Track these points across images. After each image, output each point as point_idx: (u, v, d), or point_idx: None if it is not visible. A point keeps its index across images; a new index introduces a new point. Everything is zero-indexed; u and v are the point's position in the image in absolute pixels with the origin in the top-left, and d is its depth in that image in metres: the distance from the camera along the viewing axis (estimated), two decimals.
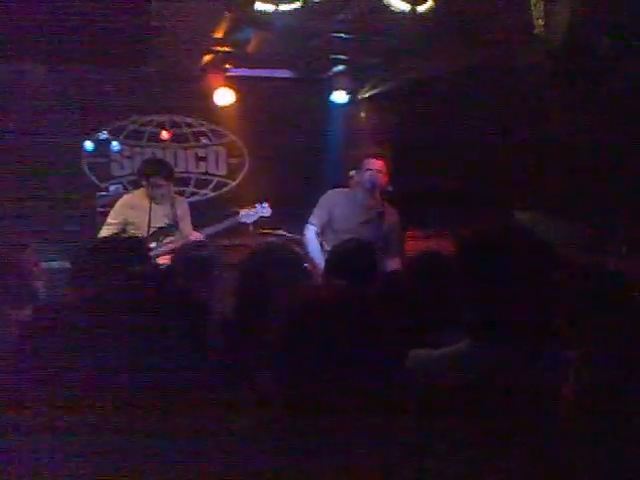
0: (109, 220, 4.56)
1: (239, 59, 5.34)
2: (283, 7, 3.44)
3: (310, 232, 4.33)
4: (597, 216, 4.23)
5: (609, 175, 3.92)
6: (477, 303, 1.51)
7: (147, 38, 3.43)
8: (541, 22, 3.39)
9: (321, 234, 4.33)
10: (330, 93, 5.89)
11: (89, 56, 3.44)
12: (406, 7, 3.25)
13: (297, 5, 3.35)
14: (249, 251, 2.32)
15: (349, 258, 2.64)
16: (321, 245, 4.29)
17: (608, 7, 3.26)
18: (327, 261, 2.84)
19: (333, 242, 4.08)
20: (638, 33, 3.20)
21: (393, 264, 4.06)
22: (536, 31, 3.44)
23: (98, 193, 5.71)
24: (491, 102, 4.58)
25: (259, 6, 3.59)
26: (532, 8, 3.45)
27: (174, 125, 6.12)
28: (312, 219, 4.35)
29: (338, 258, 2.71)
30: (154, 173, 4.44)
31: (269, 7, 3.50)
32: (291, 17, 3.82)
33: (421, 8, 3.26)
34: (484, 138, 4.95)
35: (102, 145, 5.85)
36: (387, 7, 3.28)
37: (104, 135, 5.83)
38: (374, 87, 5.82)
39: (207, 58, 5.28)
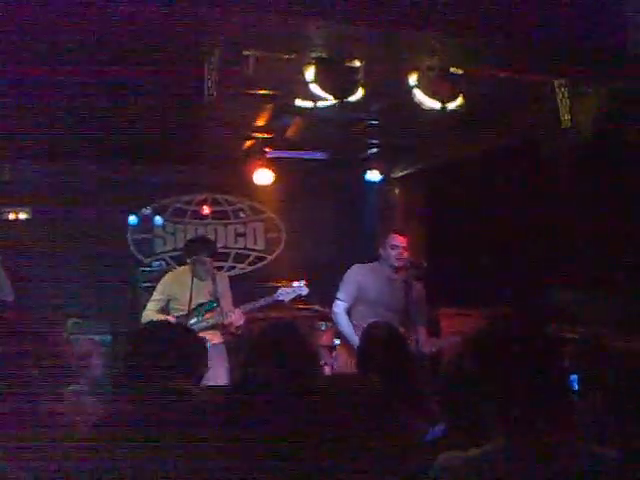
0: (155, 296, 4.75)
1: (278, 142, 5.65)
2: (321, 104, 3.69)
3: (339, 308, 4.42)
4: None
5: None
6: (507, 399, 1.52)
7: (198, 136, 3.71)
8: (567, 117, 3.57)
9: (351, 308, 4.41)
10: (364, 173, 6.13)
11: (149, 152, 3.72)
12: (436, 105, 3.46)
13: (334, 101, 3.59)
14: (256, 330, 2.35)
15: (381, 349, 2.69)
16: (350, 320, 4.38)
17: (632, 105, 3.43)
18: (359, 350, 2.90)
19: (362, 314, 4.21)
20: None
21: (421, 335, 4.15)
22: (563, 125, 3.61)
23: (141, 269, 5.96)
24: (520, 186, 4.72)
25: (299, 102, 3.85)
26: (559, 104, 3.64)
27: (215, 203, 6.43)
28: (340, 295, 4.44)
29: (370, 348, 2.78)
30: (198, 251, 4.64)
31: (308, 104, 3.76)
32: (329, 109, 4.06)
33: (451, 105, 3.47)
34: (511, 219, 5.08)
35: (146, 221, 6.17)
36: (419, 105, 3.49)
37: (148, 212, 6.15)
38: (406, 168, 6.04)
39: (249, 143, 5.60)
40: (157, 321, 4.25)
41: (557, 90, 3.60)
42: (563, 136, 3.73)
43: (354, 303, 4.38)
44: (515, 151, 4.55)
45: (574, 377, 2.45)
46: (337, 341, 5.10)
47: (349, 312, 4.40)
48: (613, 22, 3.03)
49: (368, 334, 3.01)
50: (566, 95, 3.63)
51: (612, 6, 3.10)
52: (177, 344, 2.20)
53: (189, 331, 2.64)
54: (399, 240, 4.29)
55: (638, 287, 4.17)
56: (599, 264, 4.50)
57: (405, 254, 4.25)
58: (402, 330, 3.92)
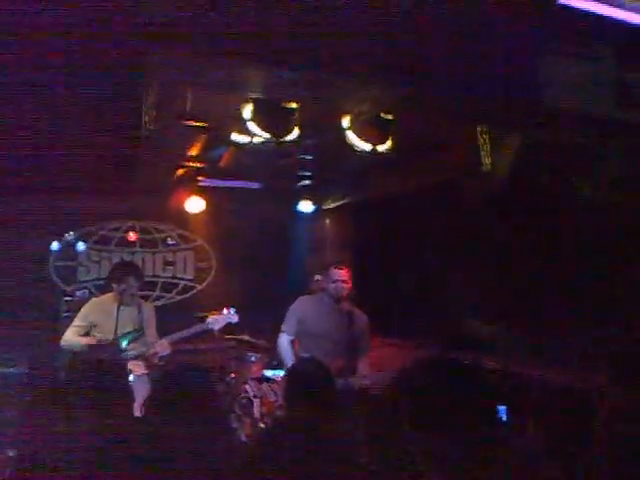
0: (75, 322, 4.59)
1: (211, 171, 5.65)
2: (257, 139, 3.75)
3: (283, 339, 4.43)
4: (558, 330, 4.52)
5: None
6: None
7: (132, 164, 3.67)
8: (488, 161, 3.82)
9: (293, 340, 4.44)
10: (297, 203, 6.22)
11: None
12: (367, 147, 3.61)
13: (269, 137, 3.67)
14: (162, 374, 2.34)
15: (306, 380, 2.76)
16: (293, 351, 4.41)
17: (548, 150, 3.73)
18: (285, 382, 2.96)
19: (307, 346, 4.26)
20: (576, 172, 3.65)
21: (362, 365, 4.24)
22: (483, 168, 3.86)
23: (64, 298, 5.74)
24: (443, 220, 4.97)
25: (235, 137, 3.91)
26: (481, 147, 3.90)
27: (143, 231, 6.30)
28: (284, 327, 4.46)
29: (295, 380, 2.84)
30: (125, 276, 4.55)
31: (245, 139, 3.82)
32: (264, 144, 4.13)
33: (381, 147, 3.63)
34: (439, 251, 5.32)
35: (70, 248, 5.96)
36: (350, 146, 3.64)
37: (71, 238, 5.95)
38: (338, 199, 6.20)
39: (182, 171, 5.57)
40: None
41: (479, 136, 3.85)
42: (484, 177, 3.99)
43: (300, 335, 4.40)
44: (439, 189, 4.79)
45: (502, 408, 2.59)
46: (267, 373, 5.10)
47: (296, 343, 4.41)
48: (532, 78, 3.29)
49: (293, 368, 3.08)
50: (487, 141, 3.89)
51: (530, 63, 3.37)
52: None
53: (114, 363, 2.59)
54: (339, 274, 4.35)
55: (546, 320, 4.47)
56: (513, 298, 4.78)
57: (346, 286, 4.33)
58: (339, 362, 4.02)
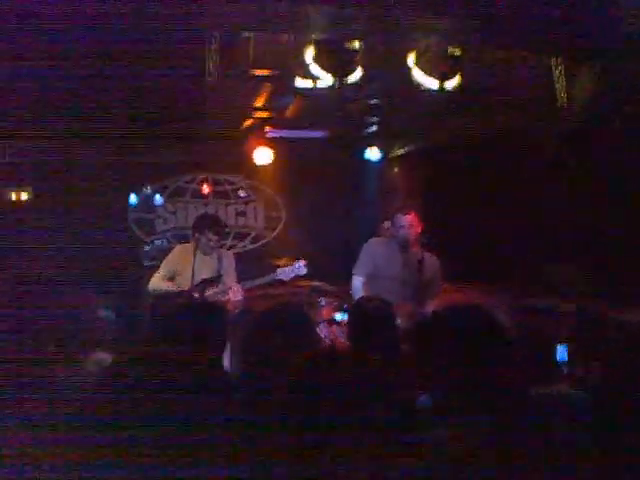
0: (161, 269, 4.82)
1: (278, 122, 5.68)
2: (320, 84, 3.72)
3: (357, 282, 4.46)
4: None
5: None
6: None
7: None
8: (564, 95, 3.61)
9: (367, 282, 4.45)
10: (364, 151, 6.17)
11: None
12: (434, 84, 3.50)
13: (332, 81, 3.63)
14: (257, 313, 2.43)
15: (369, 320, 2.79)
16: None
17: (627, 81, 3.47)
18: (349, 321, 3.00)
19: (376, 288, 4.29)
20: None
21: (430, 306, 4.19)
22: (559, 103, 3.65)
23: (144, 247, 6.04)
24: (517, 165, 4.78)
25: (298, 82, 3.89)
26: (555, 81, 3.68)
27: (216, 182, 6.48)
28: (356, 270, 4.48)
29: (359, 319, 2.88)
30: (206, 227, 4.73)
31: (308, 83, 3.79)
32: (328, 88, 4.09)
33: (449, 84, 3.51)
34: (511, 195, 5.14)
35: (147, 201, 6.23)
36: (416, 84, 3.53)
37: (149, 191, 6.20)
38: (405, 146, 6.08)
39: (248, 122, 5.63)
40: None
41: (554, 69, 3.64)
42: (559, 115, 3.78)
43: (370, 277, 4.41)
44: (510, 131, 4.59)
45: (563, 347, 2.57)
46: (337, 315, 5.21)
47: (368, 286, 4.42)
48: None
49: (357, 308, 3.11)
50: (562, 73, 3.67)
51: None
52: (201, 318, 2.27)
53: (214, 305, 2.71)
54: (404, 220, 4.31)
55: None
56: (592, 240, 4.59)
57: (413, 231, 4.28)
58: (407, 307, 4.02)
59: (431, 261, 4.35)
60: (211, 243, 4.70)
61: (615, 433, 1.56)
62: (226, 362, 2.44)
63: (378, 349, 2.48)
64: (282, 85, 4.34)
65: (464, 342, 1.66)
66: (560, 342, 2.67)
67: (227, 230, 6.35)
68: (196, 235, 4.77)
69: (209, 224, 4.78)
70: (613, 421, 1.62)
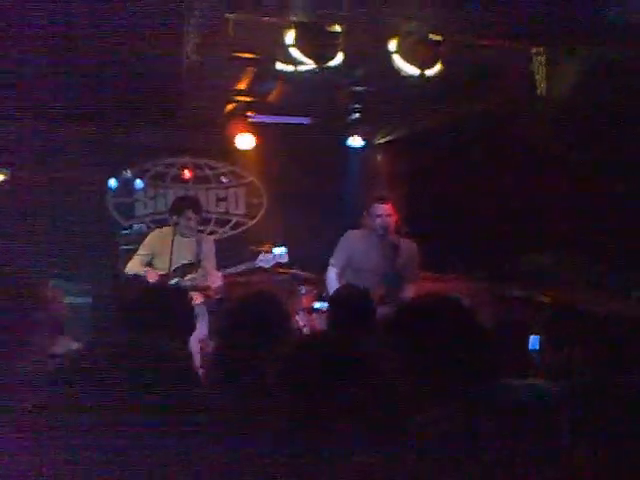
0: (139, 251, 4.80)
1: (260, 107, 5.63)
2: (301, 68, 3.69)
3: (331, 273, 4.51)
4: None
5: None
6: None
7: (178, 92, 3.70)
8: (543, 84, 3.62)
9: (342, 274, 4.49)
10: (347, 138, 6.14)
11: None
12: (415, 71, 3.48)
13: (315, 66, 3.60)
14: (236, 299, 2.42)
15: (347, 306, 2.81)
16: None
17: (606, 73, 3.48)
18: (328, 308, 3.03)
19: (352, 279, 4.31)
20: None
21: (408, 291, 4.28)
22: (538, 91, 3.66)
23: (122, 232, 5.98)
24: (498, 150, 4.80)
25: (279, 66, 3.86)
26: (535, 70, 3.68)
27: (197, 167, 6.42)
28: (333, 260, 4.54)
29: (337, 305, 2.90)
30: (184, 208, 4.68)
31: (289, 67, 3.76)
32: (310, 73, 4.07)
33: (429, 72, 3.50)
34: (492, 184, 5.17)
35: (127, 185, 6.16)
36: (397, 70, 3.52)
37: (129, 175, 6.13)
38: (388, 134, 6.08)
39: (230, 107, 5.57)
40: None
41: (534, 58, 3.64)
42: (539, 104, 3.79)
43: (346, 269, 4.45)
44: (491, 118, 4.60)
45: (535, 338, 2.62)
46: (317, 304, 5.21)
47: (343, 276, 4.46)
48: None
49: (336, 297, 3.15)
50: (543, 63, 3.67)
51: None
52: (165, 302, 2.26)
53: (178, 290, 2.69)
54: (382, 209, 4.35)
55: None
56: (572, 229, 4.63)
57: (389, 220, 4.32)
58: (381, 291, 4.06)
59: (407, 246, 4.39)
60: (191, 223, 4.67)
61: (588, 425, 1.56)
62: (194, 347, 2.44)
63: (358, 336, 2.51)
64: (263, 69, 4.30)
65: (437, 330, 1.67)
66: (534, 332, 2.71)
67: (206, 215, 6.34)
68: (174, 217, 4.74)
69: (188, 204, 4.75)
70: (586, 413, 1.61)
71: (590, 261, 4.59)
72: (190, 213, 4.66)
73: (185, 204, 4.77)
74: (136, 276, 4.64)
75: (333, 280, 4.48)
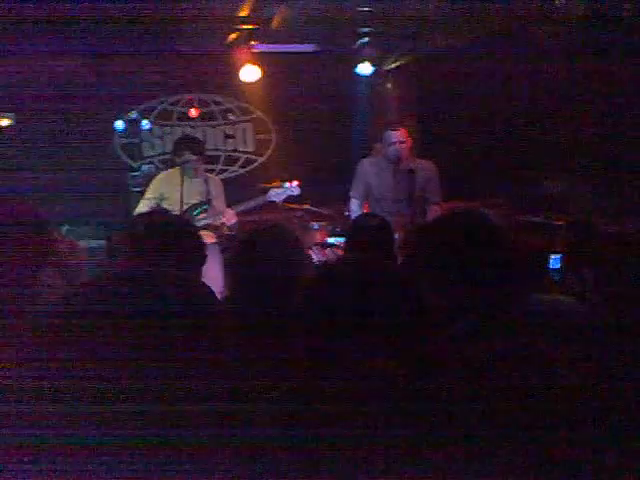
0: (146, 195, 4.74)
1: (264, 36, 5.38)
2: None
3: (354, 205, 4.49)
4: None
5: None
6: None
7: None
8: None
9: (363, 204, 4.48)
10: (356, 65, 5.89)
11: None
12: None
13: None
14: (247, 234, 2.34)
15: (366, 234, 2.75)
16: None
17: None
18: (347, 240, 2.96)
19: (374, 210, 4.25)
20: None
21: (432, 212, 4.25)
22: (557, 2, 3.40)
23: (131, 173, 5.89)
24: (514, 72, 4.56)
25: None
26: None
27: (203, 104, 6.22)
28: (353, 192, 4.50)
29: (356, 234, 2.84)
30: (185, 149, 4.57)
31: None
32: None
33: None
34: (509, 109, 4.95)
35: (133, 126, 6.02)
36: None
37: (134, 116, 5.98)
38: (399, 58, 5.80)
39: (232, 36, 5.33)
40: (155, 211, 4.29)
41: None
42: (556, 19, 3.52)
43: (367, 197, 4.44)
44: (507, 39, 4.33)
45: (557, 257, 2.57)
46: (330, 239, 5.15)
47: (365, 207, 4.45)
48: None
49: (356, 225, 3.08)
50: None
51: None
52: (177, 233, 2.19)
53: (187, 222, 2.62)
54: (394, 136, 4.26)
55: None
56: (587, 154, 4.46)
57: (403, 147, 4.22)
58: (405, 219, 4.00)
59: (425, 167, 4.31)
60: (192, 164, 4.56)
61: (607, 341, 1.55)
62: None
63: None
64: None
65: (460, 246, 1.59)
66: (555, 253, 2.68)
67: (215, 153, 6.20)
68: (176, 159, 4.65)
69: (186, 146, 4.64)
70: (606, 329, 1.62)
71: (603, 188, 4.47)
72: (189, 155, 4.55)
73: (183, 146, 4.64)
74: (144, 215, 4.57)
75: (356, 211, 4.43)
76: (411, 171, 4.12)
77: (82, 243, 4.95)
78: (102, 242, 5.33)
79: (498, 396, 1.15)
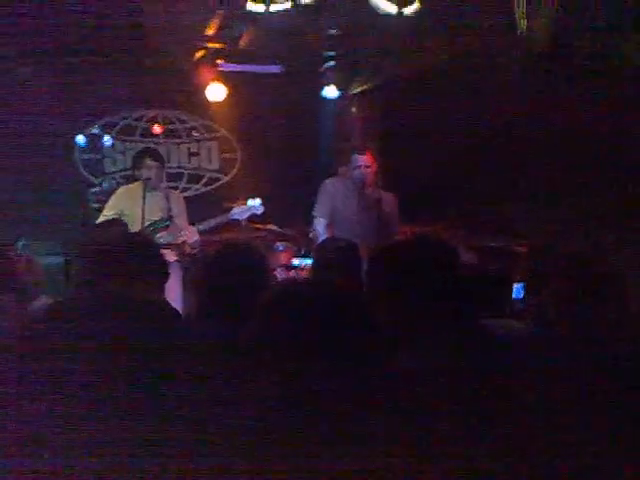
0: (105, 210, 4.65)
1: (230, 55, 5.40)
2: (273, 7, 3.50)
3: (319, 225, 4.43)
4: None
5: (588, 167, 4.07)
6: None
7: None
8: (524, 23, 3.48)
9: (329, 224, 4.42)
10: (322, 88, 5.95)
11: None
12: (393, 9, 3.32)
13: (287, 5, 3.41)
14: (212, 252, 2.30)
15: (333, 257, 2.73)
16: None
17: (588, 10, 3.36)
18: (313, 260, 2.95)
19: (338, 232, 4.23)
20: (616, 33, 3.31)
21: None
22: (519, 31, 3.53)
23: (92, 189, 5.77)
24: (476, 97, 4.68)
25: (250, 6, 3.65)
26: (515, 10, 3.54)
27: (167, 121, 6.18)
28: (317, 211, 4.44)
29: (323, 257, 2.82)
30: (144, 158, 4.54)
31: (259, 7, 3.57)
32: (282, 16, 3.89)
33: (407, 10, 3.34)
34: (471, 132, 5.07)
35: (95, 141, 5.92)
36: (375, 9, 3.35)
37: (96, 131, 5.89)
38: (364, 82, 5.90)
39: (199, 54, 5.33)
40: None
41: None
42: (520, 44, 3.66)
43: (331, 218, 4.39)
44: (470, 61, 4.46)
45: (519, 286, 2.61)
46: (295, 261, 5.12)
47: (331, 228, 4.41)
48: None
49: (322, 249, 3.06)
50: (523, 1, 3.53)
51: None
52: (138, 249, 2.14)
53: (148, 240, 2.58)
54: (361, 159, 4.28)
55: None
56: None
57: (369, 171, 4.26)
58: (368, 244, 4.00)
59: (388, 199, 4.34)
60: (152, 172, 4.52)
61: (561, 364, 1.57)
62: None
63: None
64: (232, 9, 4.08)
65: (416, 273, 1.61)
66: (515, 280, 2.71)
67: (178, 171, 6.15)
68: (136, 172, 4.61)
69: (146, 154, 4.65)
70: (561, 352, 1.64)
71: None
72: (149, 161, 4.53)
73: (143, 154, 4.65)
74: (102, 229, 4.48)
75: (321, 231, 4.40)
76: (377, 200, 4.14)
77: (39, 259, 4.84)
78: (60, 259, 5.20)
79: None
